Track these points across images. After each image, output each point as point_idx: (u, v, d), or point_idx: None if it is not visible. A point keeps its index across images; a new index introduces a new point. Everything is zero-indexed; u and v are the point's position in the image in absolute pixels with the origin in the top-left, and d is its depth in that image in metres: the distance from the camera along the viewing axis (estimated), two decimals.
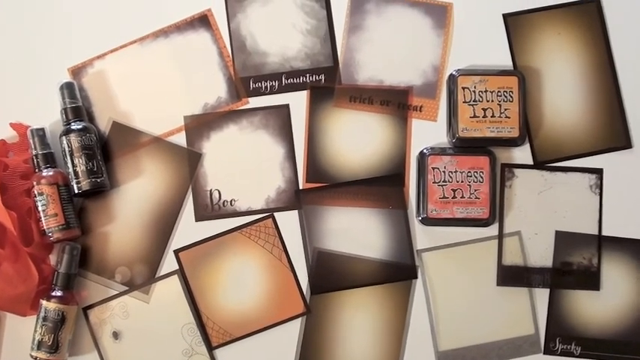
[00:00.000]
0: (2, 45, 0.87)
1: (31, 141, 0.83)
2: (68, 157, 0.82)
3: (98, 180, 0.82)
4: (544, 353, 0.84)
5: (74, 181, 0.82)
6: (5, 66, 0.87)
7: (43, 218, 0.81)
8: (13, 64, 0.87)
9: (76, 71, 0.87)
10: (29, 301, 0.82)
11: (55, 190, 0.82)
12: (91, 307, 0.85)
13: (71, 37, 0.87)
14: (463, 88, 0.84)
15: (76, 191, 0.82)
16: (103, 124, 0.86)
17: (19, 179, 0.84)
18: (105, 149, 0.85)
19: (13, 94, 0.87)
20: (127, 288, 0.84)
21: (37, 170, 0.83)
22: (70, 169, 0.82)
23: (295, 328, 0.84)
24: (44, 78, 0.86)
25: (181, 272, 0.84)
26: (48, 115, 0.86)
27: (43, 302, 0.81)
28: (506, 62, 0.86)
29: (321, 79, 0.86)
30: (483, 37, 0.87)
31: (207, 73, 0.86)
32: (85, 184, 0.82)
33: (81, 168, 0.82)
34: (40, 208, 0.81)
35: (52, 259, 0.85)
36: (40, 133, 0.83)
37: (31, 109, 0.86)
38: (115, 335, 0.84)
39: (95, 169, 0.82)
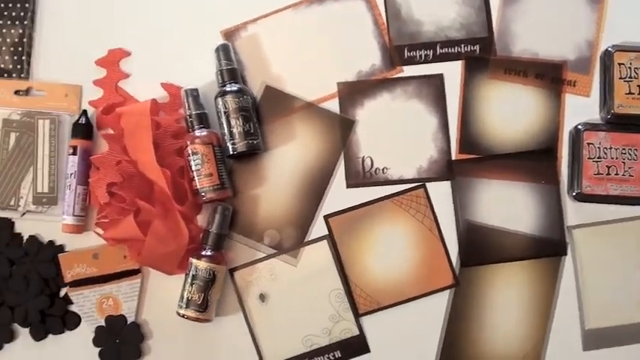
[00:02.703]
0: (158, 6, 0.87)
1: (185, 101, 0.83)
2: (224, 118, 0.82)
3: (254, 142, 0.82)
4: None
5: (230, 142, 0.82)
6: (158, 27, 0.87)
7: (196, 178, 0.82)
8: (166, 26, 0.87)
9: (229, 34, 0.87)
10: (178, 259, 0.82)
11: (210, 149, 0.82)
12: (236, 268, 0.85)
13: (225, 0, 0.87)
14: (619, 64, 0.83)
15: (231, 152, 0.82)
16: (255, 88, 0.86)
17: (170, 138, 0.84)
18: (257, 113, 0.85)
19: (164, 55, 0.87)
20: (275, 251, 0.84)
21: (190, 130, 0.83)
22: (226, 130, 0.82)
23: (443, 300, 0.83)
24: (196, 40, 0.86)
25: (330, 238, 0.84)
26: (195, 77, 0.86)
27: (194, 261, 0.81)
28: None
29: (475, 50, 0.85)
30: (638, 13, 0.85)
31: (361, 41, 0.86)
32: (242, 146, 0.82)
33: (238, 129, 0.82)
34: (193, 168, 0.82)
35: (199, 219, 0.85)
36: (195, 94, 0.83)
37: (180, 71, 0.86)
38: (262, 298, 0.84)
39: (252, 131, 0.82)
